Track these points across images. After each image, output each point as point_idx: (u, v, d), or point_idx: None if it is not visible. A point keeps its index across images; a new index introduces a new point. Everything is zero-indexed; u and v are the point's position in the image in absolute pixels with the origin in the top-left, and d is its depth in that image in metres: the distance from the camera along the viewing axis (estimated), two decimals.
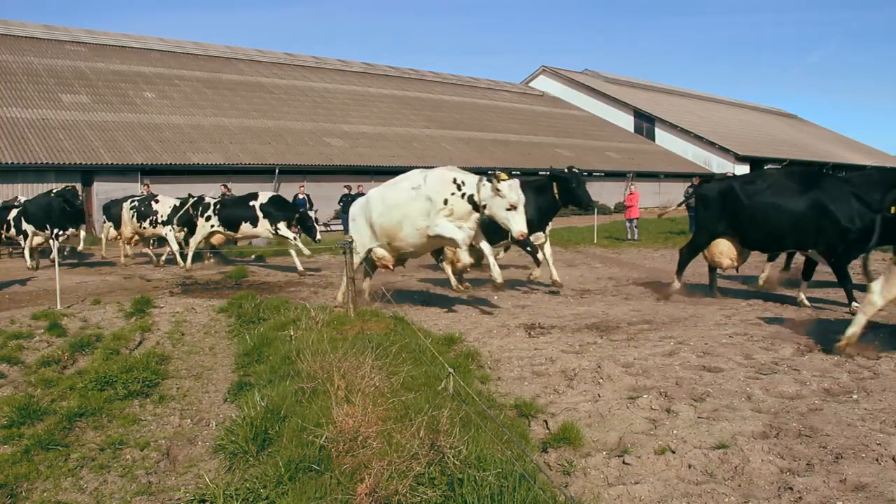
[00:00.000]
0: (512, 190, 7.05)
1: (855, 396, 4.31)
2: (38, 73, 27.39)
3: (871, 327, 5.69)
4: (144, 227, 13.73)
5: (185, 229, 13.68)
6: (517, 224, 7.08)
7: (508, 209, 7.05)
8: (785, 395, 4.40)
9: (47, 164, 20.66)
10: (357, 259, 7.99)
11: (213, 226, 12.78)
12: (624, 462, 3.48)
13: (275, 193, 13.32)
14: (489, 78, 51.04)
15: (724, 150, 42.05)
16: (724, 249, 8.25)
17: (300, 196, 18.41)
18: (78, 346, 6.41)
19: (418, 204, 7.55)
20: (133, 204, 13.92)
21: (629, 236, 18.27)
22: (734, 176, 8.69)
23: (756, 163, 42.04)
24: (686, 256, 8.67)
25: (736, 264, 8.38)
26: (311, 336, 5.39)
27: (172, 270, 12.96)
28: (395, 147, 30.46)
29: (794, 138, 54.01)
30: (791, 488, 3.08)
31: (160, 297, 9.45)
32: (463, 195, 7.35)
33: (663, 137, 45.05)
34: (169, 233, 13.52)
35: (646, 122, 46.42)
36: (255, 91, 33.25)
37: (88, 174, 21.35)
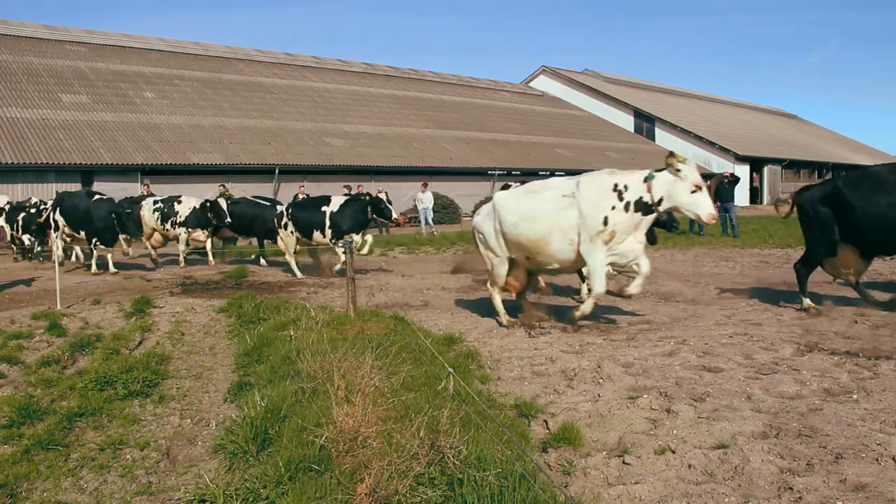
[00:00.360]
0: (694, 169, 6.21)
1: (855, 396, 4.31)
2: (38, 73, 27.40)
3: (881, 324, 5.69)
4: (167, 229, 13.69)
5: (205, 231, 13.63)
6: (705, 206, 6.15)
7: (693, 192, 6.11)
8: (785, 395, 4.40)
9: (47, 164, 20.68)
10: (501, 270, 7.11)
11: (291, 231, 11.95)
12: (624, 462, 3.47)
13: (348, 197, 12.19)
14: (489, 78, 51.11)
15: (724, 150, 42.05)
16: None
17: (300, 196, 18.41)
18: (78, 346, 6.41)
19: (571, 214, 6.47)
20: (158, 206, 13.87)
21: None
22: (834, 178, 7.82)
23: (756, 163, 42.04)
24: (803, 273, 7.55)
25: (852, 276, 7.33)
26: (311, 336, 5.39)
27: (172, 270, 12.96)
28: (395, 147, 30.46)
29: (794, 138, 54.00)
30: (791, 488, 3.08)
31: (160, 297, 9.45)
32: (627, 204, 6.30)
33: (663, 137, 45.03)
34: (182, 234, 13.51)
35: (646, 122, 46.42)
36: (255, 91, 33.27)
37: (88, 174, 21.37)
